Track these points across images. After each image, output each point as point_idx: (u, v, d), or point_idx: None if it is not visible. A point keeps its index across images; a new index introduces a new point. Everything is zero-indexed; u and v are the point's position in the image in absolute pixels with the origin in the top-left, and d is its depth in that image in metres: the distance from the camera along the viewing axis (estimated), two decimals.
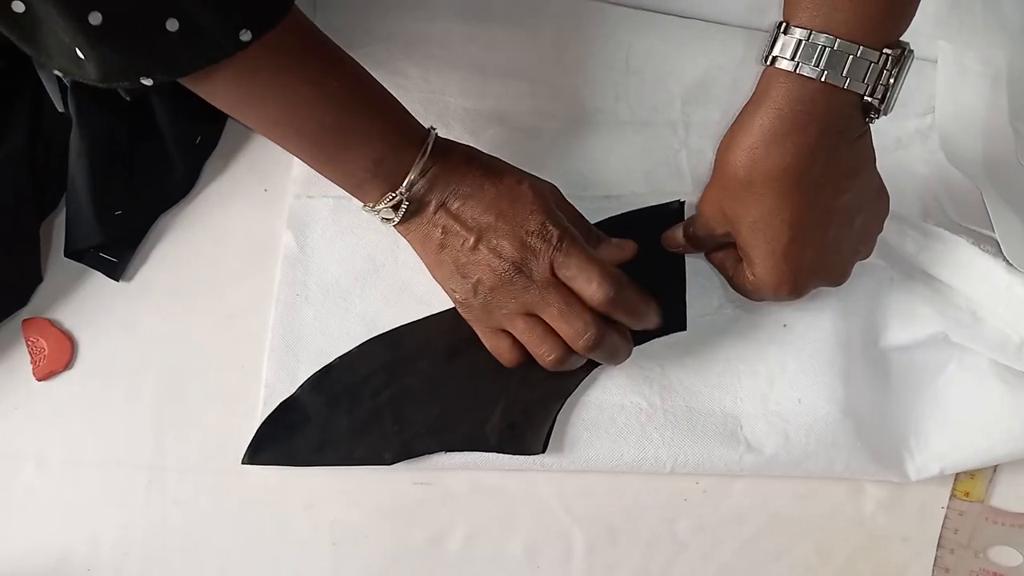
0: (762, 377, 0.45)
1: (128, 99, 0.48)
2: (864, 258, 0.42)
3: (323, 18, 0.55)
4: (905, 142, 0.49)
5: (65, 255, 0.51)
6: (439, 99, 0.53)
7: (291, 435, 0.46)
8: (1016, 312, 0.41)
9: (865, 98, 0.36)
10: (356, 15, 0.55)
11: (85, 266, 0.51)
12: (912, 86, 0.50)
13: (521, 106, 0.52)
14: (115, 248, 0.51)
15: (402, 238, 0.49)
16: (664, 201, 0.49)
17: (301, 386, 0.47)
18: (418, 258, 0.49)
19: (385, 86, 0.53)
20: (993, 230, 0.42)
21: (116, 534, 0.46)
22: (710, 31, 0.52)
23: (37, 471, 0.48)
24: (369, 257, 0.49)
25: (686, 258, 0.47)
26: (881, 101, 0.36)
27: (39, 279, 0.51)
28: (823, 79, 0.35)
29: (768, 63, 0.37)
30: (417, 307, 0.48)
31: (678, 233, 0.46)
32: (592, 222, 0.49)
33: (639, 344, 0.46)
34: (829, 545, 0.44)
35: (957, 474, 0.44)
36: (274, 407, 0.46)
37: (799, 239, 0.38)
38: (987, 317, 0.42)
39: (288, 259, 0.50)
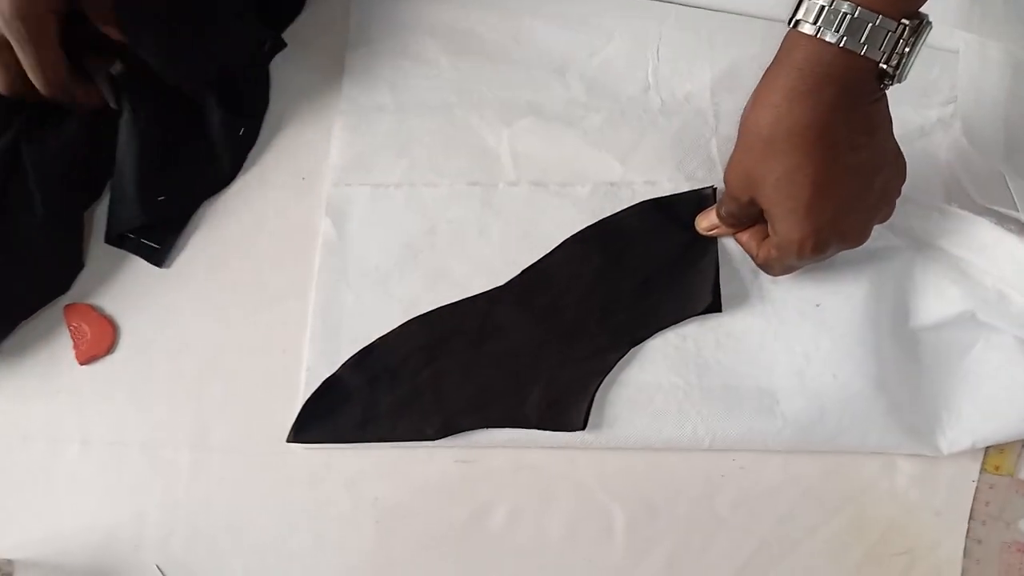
0: (798, 355, 0.46)
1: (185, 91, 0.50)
2: (883, 221, 0.43)
3: (358, 9, 0.56)
4: (928, 130, 0.51)
5: (106, 241, 0.52)
6: (473, 88, 0.54)
7: (334, 413, 0.47)
8: None
9: (880, 65, 0.37)
10: (390, 6, 0.56)
11: (126, 253, 0.52)
12: (934, 76, 0.52)
13: (554, 96, 0.54)
14: (157, 234, 0.52)
15: (439, 223, 0.50)
16: (696, 188, 0.50)
17: (343, 365, 0.48)
18: (455, 243, 0.50)
19: (419, 76, 0.54)
20: (1017, 210, 0.43)
21: (161, 513, 0.47)
22: (738, 23, 0.53)
23: (82, 452, 0.48)
24: (407, 243, 0.50)
25: (719, 243, 0.48)
26: (896, 68, 0.37)
27: (81, 265, 0.52)
28: (842, 44, 0.36)
29: (792, 26, 0.38)
30: (454, 291, 0.49)
31: (710, 215, 0.47)
32: (624, 208, 0.50)
33: (674, 325, 0.47)
34: (863, 520, 0.45)
35: (987, 448, 0.45)
36: (316, 388, 0.47)
37: (821, 194, 0.39)
38: (1013, 295, 0.44)
39: (327, 245, 0.51)
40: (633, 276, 0.48)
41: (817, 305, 0.47)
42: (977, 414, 0.44)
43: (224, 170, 0.53)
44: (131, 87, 0.50)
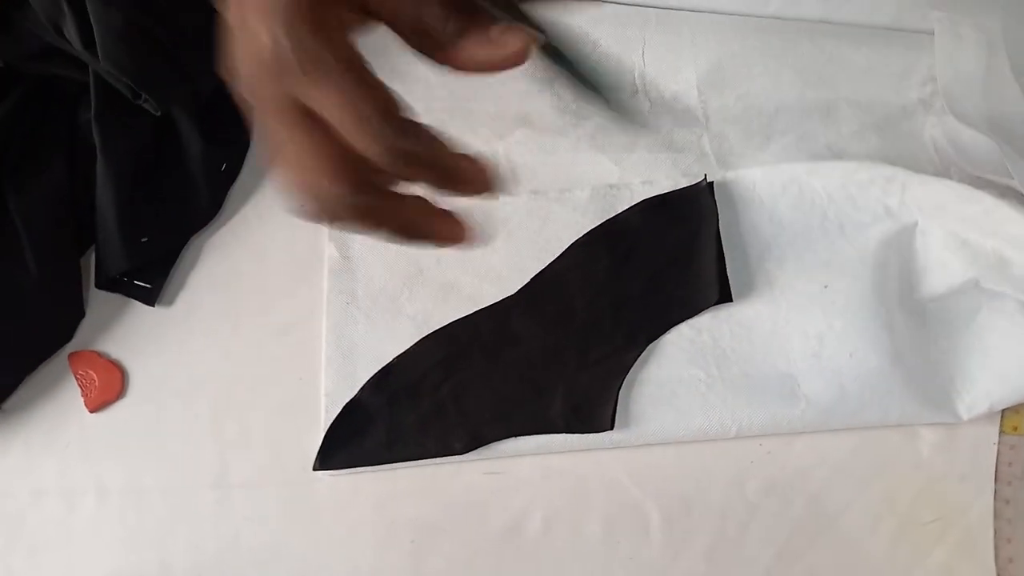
0: (812, 337, 0.47)
1: (157, 114, 0.49)
2: None
3: None
4: (910, 111, 0.52)
5: (96, 286, 0.51)
6: (463, 106, 0.55)
7: (359, 436, 0.46)
8: None
9: None
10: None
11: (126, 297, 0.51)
12: (911, 59, 0.53)
13: (544, 106, 0.54)
14: (147, 275, 0.51)
15: None
16: (693, 183, 0.51)
17: (361, 388, 0.47)
18: (461, 257, 0.51)
19: (410, 97, 0.55)
20: (1011, 177, 0.44)
21: (188, 557, 0.46)
22: (718, 22, 0.54)
23: (99, 503, 0.47)
24: (412, 260, 0.50)
25: (722, 233, 0.49)
26: None
27: (82, 313, 0.51)
28: None
29: None
30: (465, 303, 0.49)
31: None
32: (626, 208, 0.51)
33: (687, 318, 0.48)
34: (892, 492, 0.45)
35: (1003, 411, 0.46)
36: (337, 413, 0.47)
37: None
38: (1015, 259, 0.45)
39: (333, 270, 0.50)
40: (642, 274, 0.49)
41: (825, 286, 0.47)
42: (990, 378, 0.45)
43: (206, 206, 0.52)
44: (104, 126, 0.50)
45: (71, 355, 0.50)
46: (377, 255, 0.51)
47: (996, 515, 0.44)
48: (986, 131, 0.46)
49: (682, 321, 0.48)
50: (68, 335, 0.50)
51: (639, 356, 0.47)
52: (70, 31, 0.47)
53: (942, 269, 0.47)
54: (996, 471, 0.45)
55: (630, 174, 0.52)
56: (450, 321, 0.49)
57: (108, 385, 0.49)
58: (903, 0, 0.52)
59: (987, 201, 0.45)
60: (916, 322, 0.47)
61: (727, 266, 0.48)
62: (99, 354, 0.50)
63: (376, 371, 0.48)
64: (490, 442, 0.46)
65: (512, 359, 0.48)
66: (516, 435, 0.46)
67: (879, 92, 0.53)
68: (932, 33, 0.51)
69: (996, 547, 0.44)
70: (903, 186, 0.47)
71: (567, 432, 0.46)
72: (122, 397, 0.49)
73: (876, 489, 0.45)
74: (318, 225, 0.51)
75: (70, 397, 0.49)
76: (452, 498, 0.46)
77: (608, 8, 0.55)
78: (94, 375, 0.49)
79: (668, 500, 0.46)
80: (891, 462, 0.46)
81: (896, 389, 0.45)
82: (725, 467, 0.46)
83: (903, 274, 0.48)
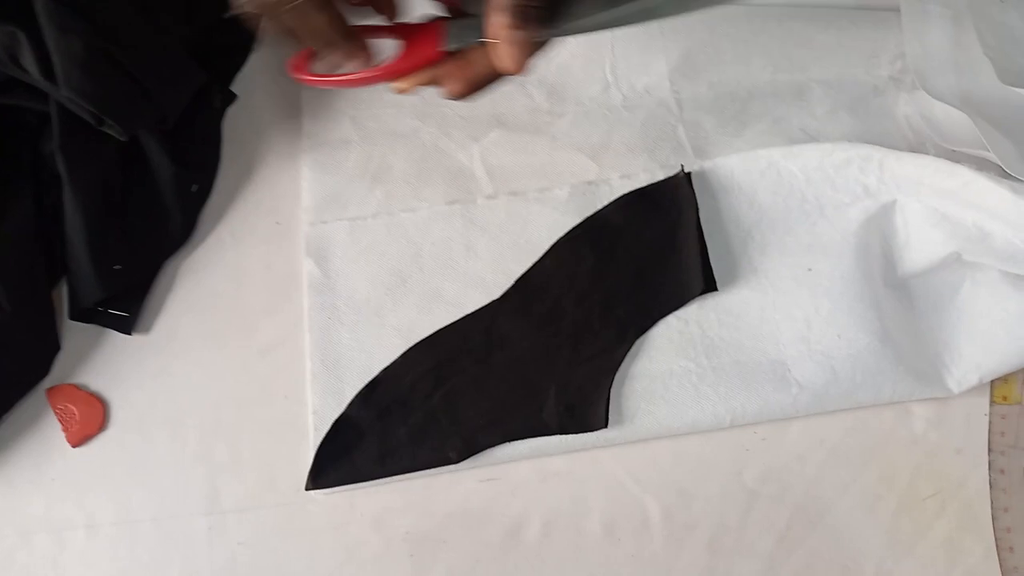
0: (799, 320, 0.47)
1: (123, 139, 0.48)
2: None
3: None
4: (882, 88, 0.52)
5: (70, 318, 0.50)
6: (436, 111, 0.54)
7: (350, 452, 0.46)
8: (1022, 221, 0.44)
9: None
10: None
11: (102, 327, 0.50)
12: (879, 37, 0.54)
13: (516, 106, 0.54)
14: (122, 303, 0.50)
15: (424, 246, 0.50)
16: (671, 174, 0.51)
17: (350, 403, 0.47)
18: (443, 264, 0.50)
19: (380, 104, 0.54)
20: (987, 149, 0.45)
21: None
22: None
23: (89, 538, 0.46)
24: (394, 270, 0.50)
25: (703, 222, 0.49)
26: None
27: (57, 347, 0.50)
28: None
29: None
30: (450, 310, 0.49)
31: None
32: (606, 203, 0.50)
33: (674, 310, 0.48)
34: (890, 470, 0.45)
35: (992, 382, 0.46)
36: (327, 430, 0.46)
37: None
38: (995, 231, 0.45)
39: (313, 286, 0.50)
40: (626, 268, 0.49)
41: (809, 269, 0.47)
42: (978, 350, 0.46)
43: (178, 230, 0.51)
44: (69, 156, 0.48)
45: (49, 390, 0.49)
46: (357, 268, 0.50)
47: (992, 485, 0.45)
48: (959, 106, 0.47)
49: (669, 313, 0.48)
50: (45, 370, 0.49)
51: (629, 351, 0.47)
52: (28, 60, 0.46)
53: (923, 244, 0.47)
54: (989, 442, 0.45)
55: (608, 169, 0.52)
56: (436, 329, 0.48)
57: (90, 418, 0.48)
58: None
59: (965, 174, 0.45)
60: (901, 299, 0.47)
61: (710, 255, 0.48)
62: (78, 387, 0.49)
63: (363, 385, 0.47)
64: (485, 449, 0.45)
65: (502, 363, 0.47)
66: (510, 440, 0.46)
67: (850, 71, 0.53)
68: (899, 11, 0.51)
69: (993, 518, 0.44)
70: (880, 164, 0.48)
71: (561, 433, 0.45)
72: (105, 429, 0.48)
73: (873, 468, 0.46)
74: (294, 239, 0.51)
75: (51, 432, 0.48)
76: (450, 508, 0.46)
77: None
78: (74, 409, 0.48)
79: (667, 494, 0.46)
80: (886, 440, 0.46)
81: (886, 367, 0.45)
82: (722, 457, 0.46)
83: (885, 252, 0.48)
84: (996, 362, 0.45)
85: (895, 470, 0.45)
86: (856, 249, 0.47)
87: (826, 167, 0.49)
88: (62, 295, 0.50)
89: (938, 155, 0.47)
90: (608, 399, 0.46)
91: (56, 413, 0.48)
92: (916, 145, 0.50)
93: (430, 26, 0.39)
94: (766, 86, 0.53)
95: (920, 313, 0.47)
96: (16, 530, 0.46)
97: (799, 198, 0.49)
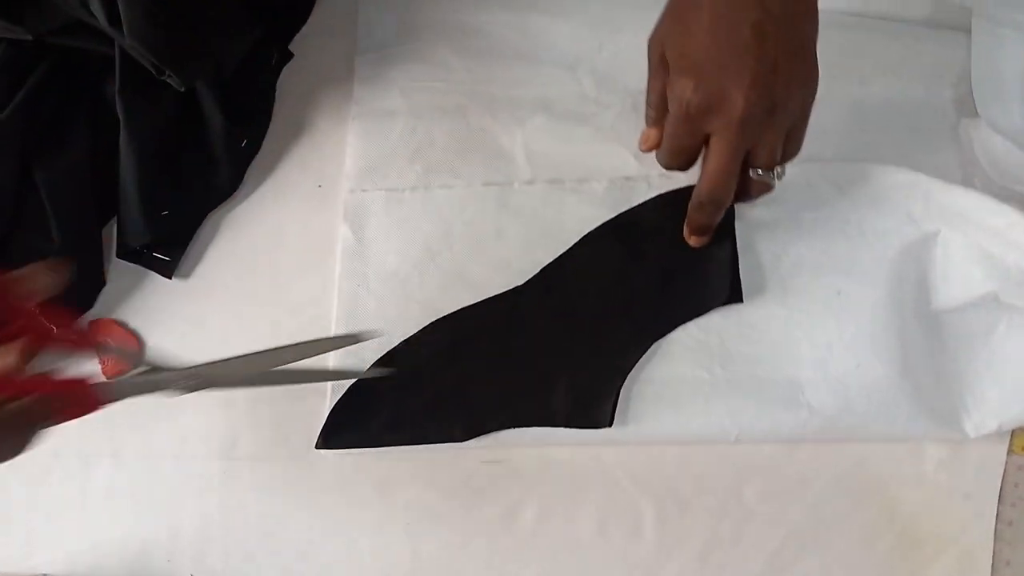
0: (821, 344, 0.46)
1: (181, 90, 0.49)
2: (791, 133, 0.41)
3: (366, 14, 0.56)
4: (941, 110, 0.50)
5: (117, 256, 0.52)
6: (484, 89, 0.54)
7: (362, 418, 0.47)
8: None
9: None
10: (398, 9, 0.56)
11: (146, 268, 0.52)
12: (946, 56, 0.51)
13: (565, 92, 0.54)
14: (166, 247, 0.52)
15: (456, 225, 0.51)
16: None
17: (367, 370, 0.48)
18: (473, 244, 0.51)
19: (430, 79, 0.54)
20: None
21: (195, 524, 0.48)
22: None
23: (113, 467, 0.49)
24: (425, 245, 0.51)
25: (737, 232, 0.48)
26: None
27: (103, 282, 0.52)
28: None
29: None
30: (474, 292, 0.49)
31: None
32: (643, 200, 0.50)
33: (696, 317, 0.47)
34: (893, 505, 0.45)
35: (1013, 431, 0.45)
36: (343, 394, 0.48)
37: (709, 37, 0.38)
38: None
39: (347, 252, 0.51)
40: (654, 270, 0.48)
41: (839, 292, 0.46)
42: (1002, 396, 0.44)
43: (225, 182, 0.53)
44: (128, 101, 0.50)
45: (91, 322, 0.51)
46: (390, 239, 0.51)
47: (997, 536, 0.44)
48: (1016, 136, 0.45)
49: (691, 319, 0.48)
50: (89, 302, 0.52)
51: (644, 353, 0.47)
52: (95, 5, 0.47)
53: (962, 280, 0.45)
54: (1001, 491, 0.44)
55: (648, 166, 0.51)
56: (458, 308, 0.49)
57: (125, 353, 0.51)
58: None
59: (1011, 215, 0.43)
60: (929, 333, 0.46)
61: (740, 265, 0.48)
62: (118, 323, 0.51)
63: (382, 354, 0.48)
64: (491, 431, 0.46)
65: (517, 349, 0.48)
66: (517, 425, 0.46)
67: (909, 89, 0.51)
68: (969, 31, 0.49)
69: (994, 569, 0.43)
70: (926, 193, 0.46)
71: (566, 425, 0.46)
72: (137, 366, 0.51)
73: (877, 502, 0.45)
74: (333, 204, 0.52)
75: (89, 363, 0.50)
76: (450, 484, 0.47)
77: None
78: (112, 343, 0.51)
79: (664, 500, 0.46)
80: (893, 476, 0.45)
81: (903, 402, 0.44)
82: (724, 470, 0.46)
83: (920, 284, 0.46)
84: (1019, 412, 0.44)
85: (898, 506, 0.45)
86: (890, 277, 0.46)
87: (872, 189, 0.47)
88: (111, 234, 0.53)
89: (985, 189, 0.45)
90: (617, 398, 0.46)
91: (96, 345, 0.51)
92: (968, 176, 0.48)
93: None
94: (820, 95, 0.50)
95: (947, 350, 0.46)
96: (49, 450, 0.49)
97: (841, 219, 0.48)
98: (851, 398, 0.45)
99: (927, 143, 0.50)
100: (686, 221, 0.46)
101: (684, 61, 0.40)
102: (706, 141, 0.41)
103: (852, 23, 0.51)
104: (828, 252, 0.48)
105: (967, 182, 0.47)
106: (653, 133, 0.45)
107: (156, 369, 0.39)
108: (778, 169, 0.42)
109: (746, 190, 0.43)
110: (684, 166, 0.43)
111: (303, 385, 0.49)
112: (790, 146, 0.42)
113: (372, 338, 0.45)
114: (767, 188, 0.43)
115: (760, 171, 0.42)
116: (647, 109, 0.45)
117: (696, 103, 0.39)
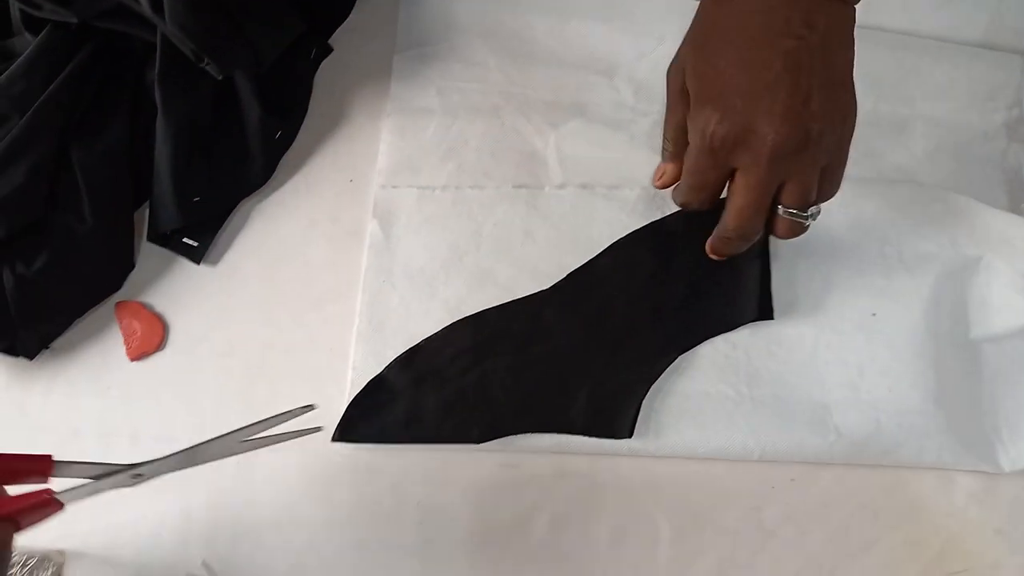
0: (852, 366, 0.45)
1: (219, 78, 0.50)
2: (824, 155, 0.38)
3: (406, 11, 0.56)
4: (992, 135, 0.49)
5: (148, 239, 0.52)
6: (520, 92, 0.54)
7: (380, 413, 0.47)
8: None
9: None
10: (438, 8, 0.56)
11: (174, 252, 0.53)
12: (999, 79, 0.50)
13: (602, 99, 0.53)
14: (195, 233, 0.52)
15: (485, 226, 0.50)
16: None
17: (388, 366, 0.48)
18: (501, 246, 0.50)
19: (467, 79, 0.54)
20: None
21: (208, 509, 0.48)
22: None
23: (131, 448, 0.49)
24: (453, 245, 0.50)
25: (771, 249, 0.47)
26: None
27: (132, 265, 0.53)
28: None
29: None
30: (499, 293, 0.49)
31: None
32: (674, 211, 0.49)
33: (724, 332, 0.46)
34: (920, 536, 0.43)
35: None
36: (362, 388, 0.47)
37: (739, 67, 0.37)
38: None
39: (374, 247, 0.51)
40: (683, 281, 0.47)
41: (873, 314, 0.45)
42: None
43: (258, 173, 0.53)
44: (167, 87, 0.51)
45: (118, 304, 0.52)
46: (418, 236, 0.51)
47: None
48: None
49: (719, 334, 0.47)
50: (117, 284, 0.52)
51: (670, 365, 0.46)
52: None
53: (1003, 309, 0.44)
54: None
55: None
56: (483, 309, 0.49)
57: (149, 337, 0.51)
58: (996, 15, 0.48)
59: None
60: (966, 362, 0.45)
61: (772, 282, 0.47)
62: (144, 306, 0.52)
63: (404, 350, 0.48)
64: (508, 435, 0.46)
65: (540, 354, 0.47)
66: (535, 431, 0.46)
67: (960, 112, 0.50)
68: (1021, 54, 0.47)
69: None
70: (972, 218, 0.45)
71: (585, 435, 0.45)
72: (161, 349, 0.51)
73: (902, 532, 0.43)
74: (363, 199, 0.52)
75: (114, 345, 0.51)
76: (465, 486, 0.46)
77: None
78: (137, 326, 0.51)
79: (681, 516, 0.45)
80: (923, 505, 0.44)
81: (934, 431, 0.43)
82: (745, 489, 0.45)
83: (958, 310, 0.45)
84: None
85: (925, 537, 0.43)
86: (928, 302, 0.45)
87: (916, 212, 0.46)
88: (143, 218, 0.53)
89: None
90: (638, 410, 0.45)
91: (121, 327, 0.51)
92: (1015, 203, 0.46)
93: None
94: (866, 115, 0.49)
95: (984, 380, 0.44)
96: (70, 427, 0.50)
97: (880, 239, 0.47)
98: (881, 423, 0.43)
99: (975, 167, 0.49)
100: (708, 243, 0.44)
101: (708, 91, 0.38)
102: (731, 176, 0.39)
103: (901, 42, 0.50)
104: (864, 273, 0.47)
105: (1014, 208, 0.46)
106: (670, 168, 0.43)
107: (103, 472, 0.41)
108: (813, 209, 0.39)
109: (775, 229, 0.40)
110: (705, 203, 0.41)
111: (323, 377, 0.49)
112: (826, 185, 0.39)
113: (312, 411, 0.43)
114: (800, 228, 0.40)
115: (793, 210, 0.39)
116: (664, 142, 0.42)
117: (721, 136, 0.37)
